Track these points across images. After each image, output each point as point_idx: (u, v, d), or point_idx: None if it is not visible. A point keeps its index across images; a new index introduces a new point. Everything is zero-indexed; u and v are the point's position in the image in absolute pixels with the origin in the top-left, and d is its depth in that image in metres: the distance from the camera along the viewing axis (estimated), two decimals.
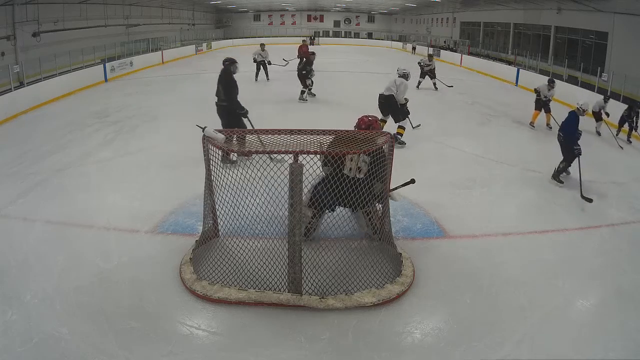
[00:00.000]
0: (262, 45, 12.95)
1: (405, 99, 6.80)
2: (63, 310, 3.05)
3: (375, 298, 3.18)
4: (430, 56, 12.93)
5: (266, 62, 12.75)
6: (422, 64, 12.51)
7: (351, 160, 3.59)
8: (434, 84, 12.36)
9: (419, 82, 12.28)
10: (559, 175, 5.63)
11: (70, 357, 2.68)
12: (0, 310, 3.04)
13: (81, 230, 4.19)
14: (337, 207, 3.70)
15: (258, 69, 12.83)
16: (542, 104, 8.49)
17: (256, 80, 12.68)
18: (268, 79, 12.99)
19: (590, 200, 5.01)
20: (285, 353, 2.77)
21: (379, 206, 3.78)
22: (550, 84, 8.52)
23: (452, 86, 12.50)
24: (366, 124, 3.83)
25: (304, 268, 3.20)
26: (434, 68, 12.39)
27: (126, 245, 3.92)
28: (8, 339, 2.80)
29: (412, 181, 3.92)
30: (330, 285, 3.25)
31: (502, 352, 2.79)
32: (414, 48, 27.05)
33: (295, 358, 2.74)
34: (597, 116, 8.34)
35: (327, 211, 3.74)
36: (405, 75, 6.84)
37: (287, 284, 3.21)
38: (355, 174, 3.58)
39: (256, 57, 12.78)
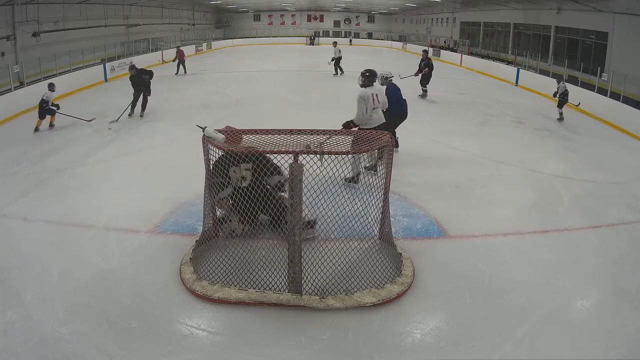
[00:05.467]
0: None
1: None
2: (63, 310, 3.05)
3: (375, 298, 3.18)
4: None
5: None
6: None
7: (235, 172, 3.64)
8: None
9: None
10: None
11: (70, 357, 2.68)
12: (0, 310, 3.04)
13: (81, 230, 4.19)
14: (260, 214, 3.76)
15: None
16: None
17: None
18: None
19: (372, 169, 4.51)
20: (285, 353, 2.77)
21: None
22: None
23: None
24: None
25: (304, 268, 3.20)
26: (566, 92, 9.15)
27: (126, 245, 3.92)
28: (8, 339, 2.80)
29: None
30: (330, 285, 3.25)
31: (502, 352, 2.79)
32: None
33: (295, 358, 2.74)
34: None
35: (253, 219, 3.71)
36: None
37: (287, 284, 3.21)
38: (240, 183, 3.62)
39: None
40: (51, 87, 8.02)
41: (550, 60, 14.31)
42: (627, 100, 9.36)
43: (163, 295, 3.25)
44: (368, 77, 5.15)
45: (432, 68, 10.78)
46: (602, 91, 10.17)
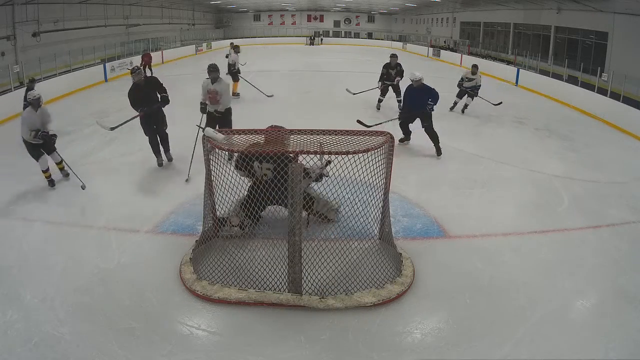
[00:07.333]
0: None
1: None
2: (63, 310, 3.06)
3: (375, 298, 3.18)
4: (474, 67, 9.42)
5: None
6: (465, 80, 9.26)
7: (259, 168, 3.76)
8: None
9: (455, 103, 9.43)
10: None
11: (70, 357, 2.68)
12: (0, 310, 3.04)
13: (81, 230, 4.19)
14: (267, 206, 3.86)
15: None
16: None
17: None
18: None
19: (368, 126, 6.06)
20: (285, 353, 2.77)
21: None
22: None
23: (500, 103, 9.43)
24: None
25: (304, 268, 3.20)
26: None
27: (126, 245, 3.93)
28: (8, 339, 2.80)
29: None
30: (330, 285, 3.25)
31: (502, 352, 2.79)
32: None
33: (295, 358, 2.74)
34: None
35: (259, 213, 3.77)
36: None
37: (287, 284, 3.21)
38: (262, 178, 3.73)
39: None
40: (236, 49, 9.56)
41: (550, 60, 14.30)
42: (627, 100, 9.35)
43: (163, 295, 3.25)
44: (214, 71, 5.88)
45: (403, 76, 8.70)
46: (602, 91, 10.16)
